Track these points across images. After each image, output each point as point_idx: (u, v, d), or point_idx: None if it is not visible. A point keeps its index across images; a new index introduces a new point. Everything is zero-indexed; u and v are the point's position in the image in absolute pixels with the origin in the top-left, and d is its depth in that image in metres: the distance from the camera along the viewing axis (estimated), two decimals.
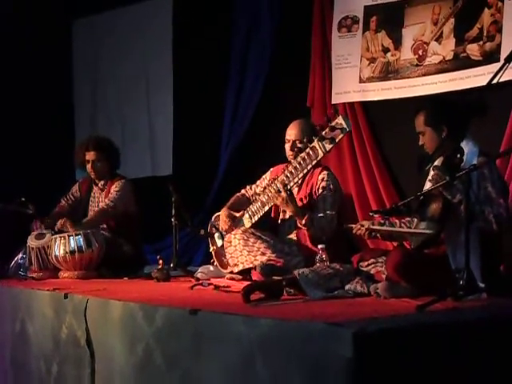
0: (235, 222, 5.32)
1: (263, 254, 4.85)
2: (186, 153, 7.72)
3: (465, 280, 3.41)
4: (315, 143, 4.64)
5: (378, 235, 4.31)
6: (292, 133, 5.12)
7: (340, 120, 4.53)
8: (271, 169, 5.37)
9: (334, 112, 4.67)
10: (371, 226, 4.24)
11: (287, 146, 5.11)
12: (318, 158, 4.69)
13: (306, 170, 4.80)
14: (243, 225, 5.27)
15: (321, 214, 4.90)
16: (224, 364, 3.05)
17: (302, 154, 4.76)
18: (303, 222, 4.86)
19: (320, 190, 4.97)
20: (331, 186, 4.98)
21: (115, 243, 5.85)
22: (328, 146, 4.59)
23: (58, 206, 6.26)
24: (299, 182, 5.02)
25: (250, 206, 5.27)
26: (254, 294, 3.69)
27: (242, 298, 3.61)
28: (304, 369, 2.69)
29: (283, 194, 4.86)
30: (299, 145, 5.01)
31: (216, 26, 7.43)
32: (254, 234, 4.98)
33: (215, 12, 7.46)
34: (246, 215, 5.29)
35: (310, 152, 4.70)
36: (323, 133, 4.57)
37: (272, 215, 5.29)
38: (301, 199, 5.05)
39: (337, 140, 4.57)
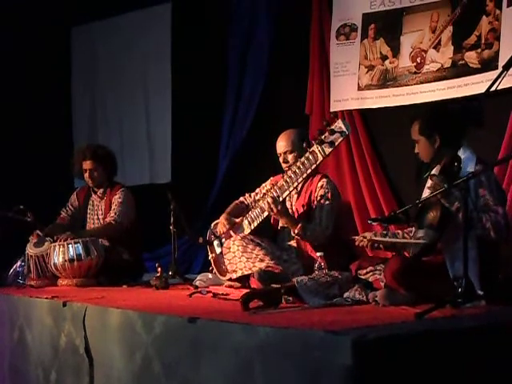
0: (234, 228, 5.31)
1: (262, 260, 4.85)
2: (184, 160, 7.71)
3: (463, 287, 3.42)
4: (314, 147, 4.64)
5: (381, 246, 4.31)
6: (281, 145, 5.14)
7: (339, 123, 4.53)
8: (271, 178, 5.37)
9: (333, 116, 4.66)
10: (373, 238, 4.23)
11: (280, 159, 5.13)
12: (318, 162, 4.68)
13: (305, 175, 4.77)
14: (242, 231, 5.27)
15: (315, 224, 4.90)
16: (222, 372, 3.05)
17: (302, 159, 4.75)
18: (296, 231, 4.87)
19: (318, 198, 4.97)
20: (329, 194, 4.97)
21: (114, 251, 5.86)
22: (327, 150, 4.58)
23: (58, 218, 6.27)
24: (299, 186, 5.01)
25: (250, 212, 5.26)
26: (252, 301, 3.69)
27: (241, 306, 3.61)
28: (303, 377, 2.69)
29: (277, 206, 4.84)
30: (289, 155, 5.05)
31: (215, 34, 7.44)
32: (252, 240, 4.97)
33: (214, 20, 7.47)
34: (246, 221, 5.28)
35: (310, 156, 4.69)
36: (322, 136, 4.57)
37: (271, 222, 5.29)
38: (296, 209, 5.07)
39: (336, 143, 4.56)
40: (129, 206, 6.04)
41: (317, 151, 4.63)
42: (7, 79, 7.79)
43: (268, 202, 4.89)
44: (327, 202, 4.94)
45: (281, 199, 4.89)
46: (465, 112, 4.09)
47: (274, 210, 4.84)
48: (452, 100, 5.59)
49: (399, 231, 4.43)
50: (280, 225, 5.23)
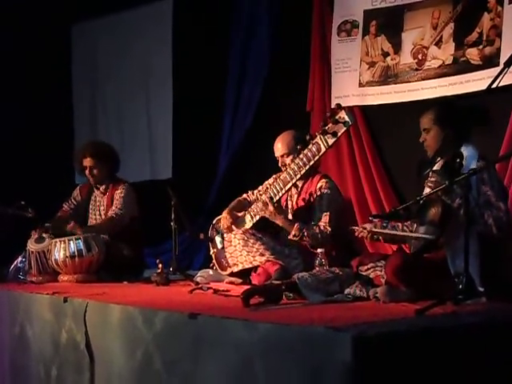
0: (237, 222, 5.31)
1: (262, 254, 4.85)
2: (185, 157, 7.72)
3: (464, 284, 3.42)
4: (317, 138, 4.63)
5: (380, 238, 4.31)
6: (278, 147, 5.17)
7: (343, 114, 4.53)
8: (273, 175, 5.37)
9: (337, 107, 4.64)
10: (373, 229, 4.24)
11: (279, 163, 5.16)
12: (321, 153, 4.67)
13: (308, 166, 4.77)
14: (244, 225, 5.26)
15: (313, 223, 4.91)
16: (223, 368, 3.05)
17: (305, 151, 4.75)
18: (292, 232, 4.88)
19: (317, 199, 4.98)
20: (328, 195, 4.98)
21: (115, 247, 5.84)
22: (330, 141, 4.57)
23: (60, 211, 6.27)
24: (300, 183, 5.04)
25: (252, 207, 5.25)
26: (253, 298, 3.69)
27: (242, 302, 3.61)
28: (303, 373, 2.69)
29: (270, 207, 4.92)
30: (287, 158, 5.06)
31: (215, 31, 7.44)
32: (254, 234, 4.97)
33: (215, 17, 7.47)
34: (248, 215, 5.28)
35: (313, 148, 4.68)
36: (326, 127, 4.56)
37: None
38: (296, 209, 5.09)
39: (339, 134, 4.54)
40: (131, 200, 6.05)
41: (320, 142, 4.62)
42: (8, 77, 7.79)
43: (262, 202, 4.92)
44: (326, 203, 4.95)
45: (276, 198, 4.94)
46: (473, 110, 4.09)
47: (267, 212, 4.91)
48: (455, 96, 5.59)
49: (399, 224, 4.41)
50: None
